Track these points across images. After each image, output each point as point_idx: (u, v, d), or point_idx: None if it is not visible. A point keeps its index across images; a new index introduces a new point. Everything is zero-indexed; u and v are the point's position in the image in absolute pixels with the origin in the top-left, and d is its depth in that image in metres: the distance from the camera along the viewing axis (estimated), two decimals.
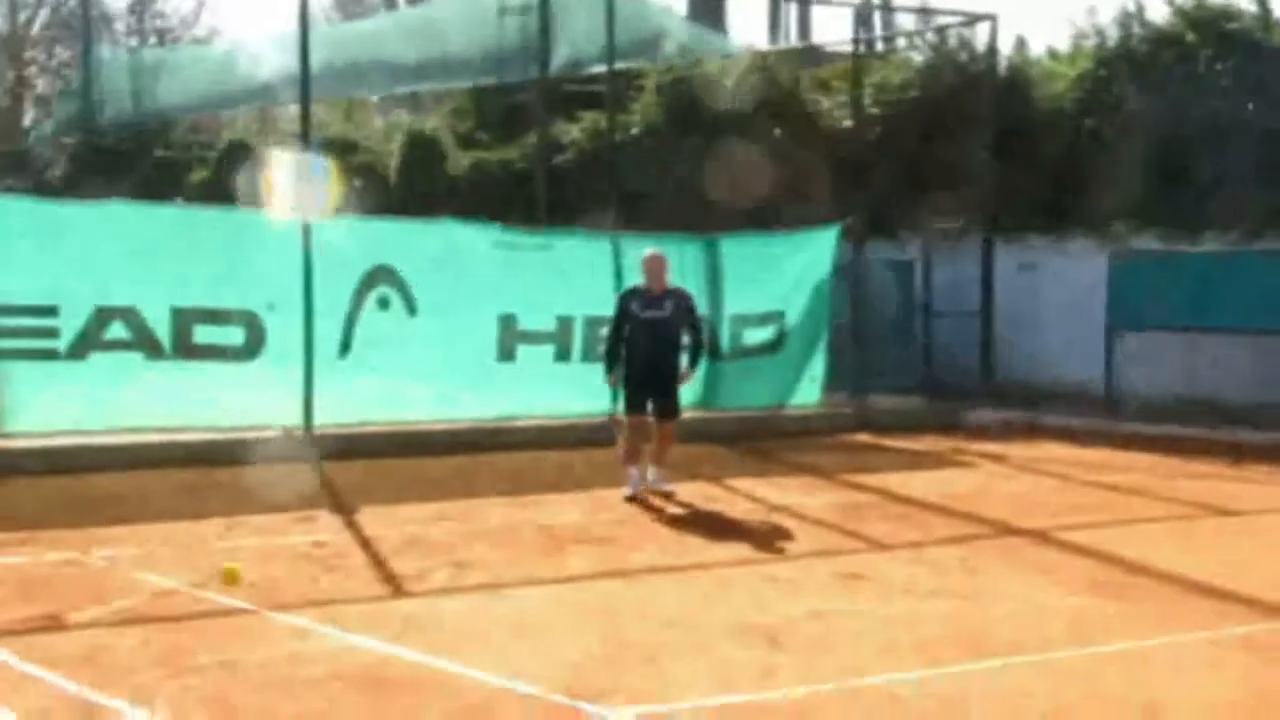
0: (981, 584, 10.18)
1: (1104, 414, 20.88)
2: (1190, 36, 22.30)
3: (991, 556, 11.26)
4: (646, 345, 13.90)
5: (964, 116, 23.70)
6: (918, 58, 25.89)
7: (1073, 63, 23.89)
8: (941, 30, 25.43)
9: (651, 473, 14.07)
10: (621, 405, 14.40)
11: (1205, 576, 10.41)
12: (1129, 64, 22.77)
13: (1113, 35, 23.50)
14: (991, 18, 23.40)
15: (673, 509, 13.33)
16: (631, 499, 13.60)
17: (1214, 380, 21.14)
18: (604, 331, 18.66)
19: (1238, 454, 17.83)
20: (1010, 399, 22.07)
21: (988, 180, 22.87)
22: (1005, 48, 25.22)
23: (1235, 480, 15.95)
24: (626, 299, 14.12)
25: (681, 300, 14.10)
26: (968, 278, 23.14)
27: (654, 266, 14.05)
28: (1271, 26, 21.94)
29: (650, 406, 14.01)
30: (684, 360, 14.33)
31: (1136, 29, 23.21)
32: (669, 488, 13.99)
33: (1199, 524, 13.11)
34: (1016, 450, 18.14)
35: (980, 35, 24.58)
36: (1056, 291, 23.23)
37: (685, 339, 14.28)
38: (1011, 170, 23.14)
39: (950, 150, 23.71)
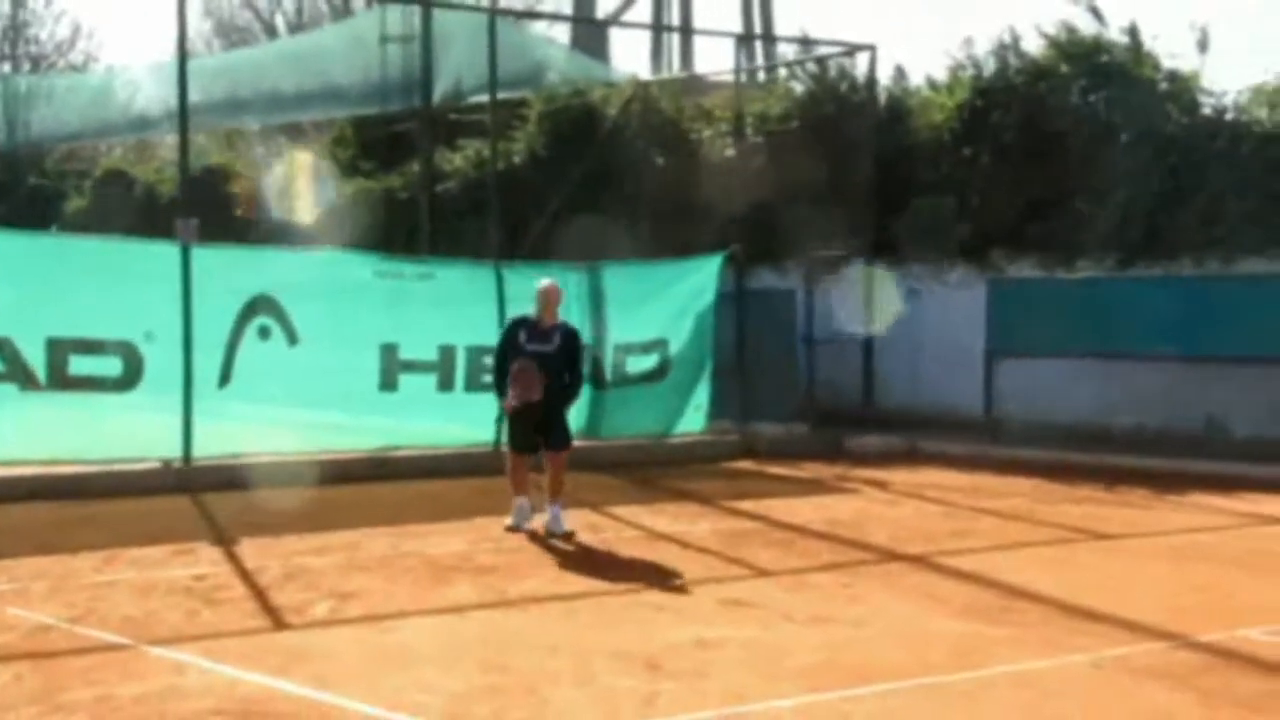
0: (864, 610, 10.22)
1: (984, 439, 21.11)
2: (1064, 68, 22.65)
3: (874, 582, 11.32)
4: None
5: (845, 145, 23.92)
6: (799, 87, 26.09)
7: (951, 93, 24.18)
8: (822, 60, 25.66)
9: (547, 512, 13.34)
10: (507, 438, 14.01)
11: (1084, 599, 10.53)
12: (1005, 94, 23.09)
13: (989, 66, 23.81)
14: (871, 48, 23.67)
15: (557, 539, 13.27)
16: (514, 529, 13.31)
17: (1091, 405, 21.45)
18: (488, 360, 18.67)
19: (1114, 478, 18.09)
20: (892, 425, 22.25)
21: (869, 209, 23.08)
22: (885, 78, 25.47)
23: (1112, 504, 16.17)
24: (514, 329, 13.58)
25: (569, 339, 13.52)
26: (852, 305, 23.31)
27: (549, 298, 13.46)
28: (1143, 58, 22.34)
29: (538, 441, 13.50)
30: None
31: (1012, 60, 23.54)
32: (567, 528, 13.22)
33: (1078, 548, 13.26)
34: (898, 476, 18.28)
35: (860, 65, 24.84)
36: (937, 318, 23.46)
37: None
38: (892, 198, 23.39)
39: (832, 179, 23.91)
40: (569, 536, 13.10)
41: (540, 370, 13.17)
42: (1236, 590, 11.09)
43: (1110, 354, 20.80)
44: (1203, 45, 22.41)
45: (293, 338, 17.28)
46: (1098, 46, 22.70)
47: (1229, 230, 20.79)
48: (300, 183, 29.28)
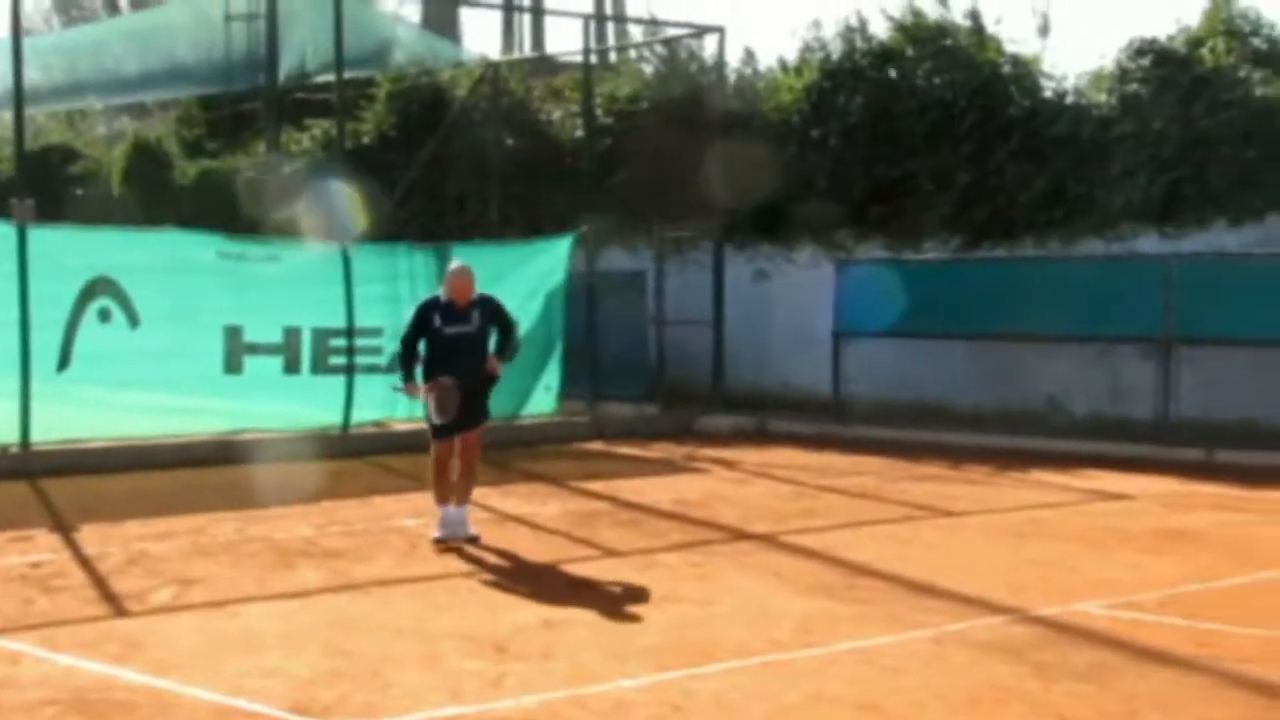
0: (712, 588, 10.28)
1: (832, 419, 21.32)
2: (910, 51, 22.91)
3: (722, 561, 11.38)
4: (452, 364, 12.03)
5: (694, 127, 23.99)
6: (648, 69, 26.13)
7: (799, 75, 24.36)
8: (671, 42, 25.70)
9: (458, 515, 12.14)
10: (430, 430, 12.25)
11: (928, 576, 10.69)
12: (852, 77, 23.30)
13: (837, 49, 24.02)
14: (719, 30, 23.74)
15: (405, 520, 13.19)
16: (443, 544, 11.80)
17: (936, 384, 21.76)
18: (335, 343, 18.54)
19: (958, 456, 18.38)
20: (741, 406, 22.40)
21: (718, 190, 23.18)
22: (734, 60, 25.62)
23: (956, 482, 16.42)
24: (427, 311, 12.30)
25: (487, 306, 12.33)
26: (700, 286, 23.42)
27: (457, 284, 12.20)
28: (986, 42, 22.66)
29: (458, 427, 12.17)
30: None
31: (859, 43, 23.76)
32: (473, 531, 12.11)
33: (922, 525, 13.44)
34: (747, 456, 18.41)
35: (709, 47, 24.92)
36: (786, 299, 23.65)
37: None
38: (741, 180, 23.50)
39: (681, 160, 23.96)
40: (475, 541, 11.94)
41: (464, 356, 12.09)
42: (1075, 566, 11.31)
43: (955, 334, 21.11)
44: (1043, 30, 22.84)
45: (134, 320, 17.02)
46: (942, 30, 22.99)
47: (1069, 212, 21.18)
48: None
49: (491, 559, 11.37)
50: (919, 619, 9.27)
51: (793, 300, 23.48)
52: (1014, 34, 22.97)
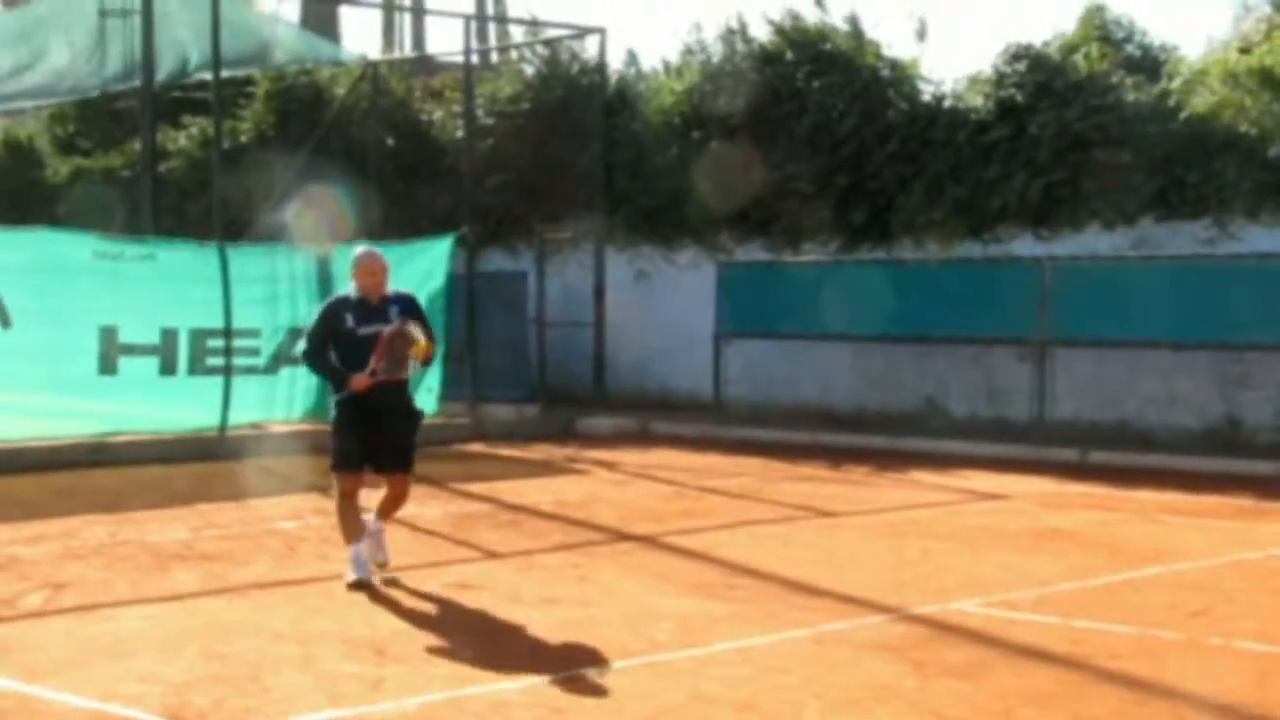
0: (592, 590, 10.27)
1: (713, 420, 21.39)
2: (789, 54, 23.05)
3: (603, 562, 11.38)
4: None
5: (575, 128, 23.99)
6: (529, 70, 26.09)
7: (680, 77, 24.43)
8: (551, 43, 25.68)
9: (372, 525, 10.62)
10: (334, 456, 10.46)
11: (807, 575, 10.75)
12: (733, 79, 23.41)
13: (718, 51, 24.12)
14: (600, 31, 23.75)
15: (283, 523, 13.05)
16: (359, 585, 10.10)
17: (816, 385, 21.91)
18: (212, 344, 18.31)
19: (838, 457, 18.52)
20: (623, 407, 22.42)
21: (599, 191, 23.20)
22: (616, 61, 25.66)
23: (835, 482, 16.54)
24: (335, 309, 10.41)
25: (408, 305, 10.51)
26: (581, 288, 23.42)
27: (372, 268, 10.36)
28: (865, 46, 22.85)
29: (375, 459, 10.44)
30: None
31: (740, 46, 23.88)
32: (386, 554, 10.68)
33: (801, 525, 13.52)
34: (629, 457, 18.42)
35: (590, 48, 24.92)
36: (668, 301, 23.71)
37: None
38: (622, 181, 23.56)
39: (562, 161, 23.97)
40: (384, 566, 10.61)
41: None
42: (951, 565, 11.42)
43: (835, 336, 21.26)
44: (921, 34, 23.06)
45: (5, 320, 16.69)
46: (821, 34, 23.15)
47: (946, 215, 21.41)
48: None
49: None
50: (798, 618, 9.31)
51: (674, 302, 23.55)
52: (892, 39, 23.23)
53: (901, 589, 10.27)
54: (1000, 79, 21.56)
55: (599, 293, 23.10)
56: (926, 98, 22.46)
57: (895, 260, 21.71)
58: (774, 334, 21.75)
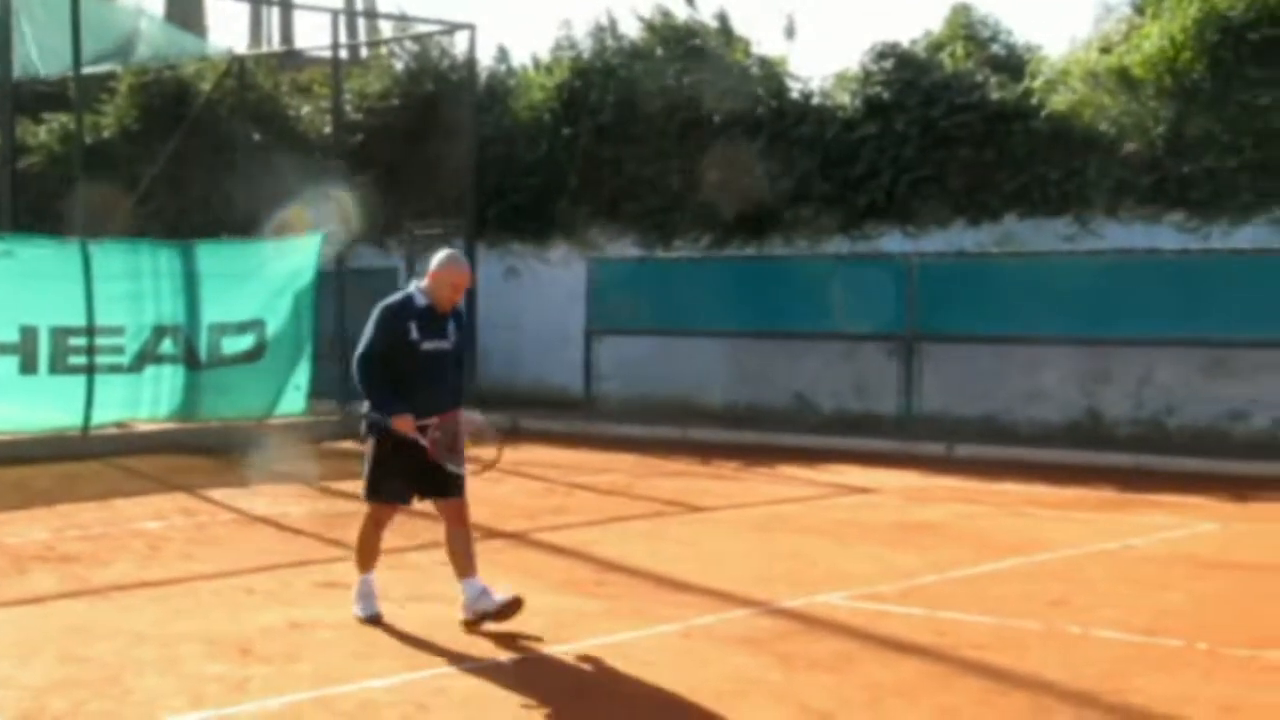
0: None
1: (584, 417, 21.40)
2: (659, 50, 23.12)
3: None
4: (426, 392, 8.96)
5: (445, 124, 23.89)
6: (399, 65, 25.94)
7: (550, 73, 24.41)
8: (421, 38, 25.54)
9: (464, 589, 9.04)
10: (370, 483, 9.27)
11: (676, 571, 10.78)
12: (604, 76, 23.43)
13: (588, 48, 24.13)
14: (470, 27, 23.66)
15: (146, 523, 12.86)
16: (372, 620, 9.00)
17: (688, 381, 21.98)
18: (74, 341, 17.98)
19: (708, 452, 18.60)
20: (494, 404, 22.32)
21: (469, 188, 23.11)
22: (486, 58, 25.58)
23: (705, 478, 16.61)
24: (401, 318, 8.91)
25: (461, 327, 9.20)
26: None
27: (460, 280, 9.01)
28: (734, 42, 22.98)
29: (424, 486, 9.20)
30: None
31: (610, 42, 23.91)
32: (501, 597, 8.94)
33: (671, 521, 13.57)
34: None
35: (460, 44, 24.83)
36: (538, 297, 23.69)
37: None
38: (493, 178, 23.48)
39: (432, 157, 23.86)
40: (509, 610, 8.85)
41: (439, 384, 9.03)
42: (819, 559, 11.51)
43: (706, 331, 21.36)
44: (790, 32, 23.24)
45: None
46: (690, 31, 23.24)
47: (815, 211, 21.59)
48: None
49: (237, 561, 11.14)
50: (667, 613, 9.34)
51: (545, 298, 23.54)
52: (762, 36, 23.42)
53: (770, 583, 10.33)
54: (867, 77, 21.78)
55: (469, 289, 22.97)
56: (795, 95, 22.64)
57: (765, 256, 21.85)
58: (645, 330, 21.81)
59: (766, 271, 21.32)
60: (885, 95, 21.34)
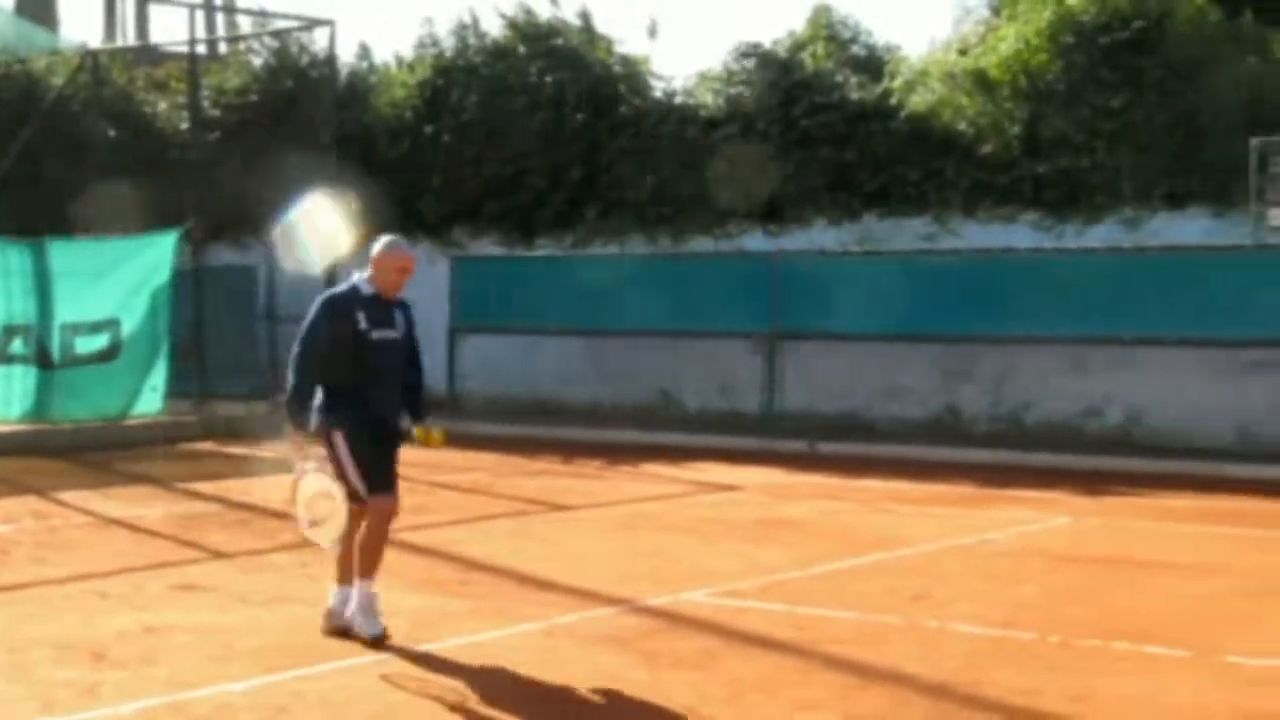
0: (322, 589, 10.03)
1: (447, 415, 21.24)
2: (521, 49, 23.07)
3: (334, 561, 11.17)
4: (381, 383, 8.65)
5: (305, 121, 23.63)
6: (257, 61, 25.63)
7: (412, 71, 24.26)
8: (280, 34, 25.26)
9: (352, 594, 8.64)
10: (359, 484, 8.61)
11: (539, 570, 10.75)
12: (466, 74, 23.33)
13: (450, 46, 24.01)
14: (330, 23, 23.42)
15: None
16: (382, 639, 8.39)
17: (552, 380, 21.96)
18: None
19: (572, 451, 18.58)
20: None
21: (329, 185, 22.86)
22: (347, 54, 25.37)
23: (569, 476, 16.60)
24: (343, 306, 8.59)
25: (410, 317, 8.91)
26: (313, 282, 23.03)
27: (405, 263, 8.69)
28: (596, 41, 22.99)
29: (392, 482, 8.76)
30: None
31: (472, 40, 23.81)
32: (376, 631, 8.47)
33: (535, 519, 13.53)
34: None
35: (320, 40, 24.61)
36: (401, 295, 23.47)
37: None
38: (353, 176, 23.26)
39: (292, 154, 23.58)
40: (373, 643, 8.37)
41: (390, 377, 8.69)
42: (682, 556, 11.54)
43: (570, 330, 21.34)
44: (652, 32, 23.34)
45: None
46: (553, 29, 23.22)
47: (678, 210, 21.66)
48: None
49: (89, 564, 10.93)
50: (530, 612, 9.31)
51: (407, 296, 23.32)
52: (625, 35, 23.48)
53: (633, 581, 10.34)
54: (729, 76, 21.90)
55: (329, 288, 22.73)
56: (658, 94, 22.71)
57: (629, 255, 21.88)
58: (508, 329, 21.75)
59: (630, 270, 21.35)
60: (747, 95, 21.46)
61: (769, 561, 11.22)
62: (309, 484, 8.66)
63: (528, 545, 11.98)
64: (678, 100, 22.50)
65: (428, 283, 22.85)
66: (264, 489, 15.03)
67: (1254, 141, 18.04)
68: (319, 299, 8.76)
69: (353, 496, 8.60)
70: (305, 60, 24.99)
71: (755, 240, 21.28)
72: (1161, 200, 19.26)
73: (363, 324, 8.52)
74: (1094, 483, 16.04)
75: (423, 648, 8.35)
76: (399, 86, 24.32)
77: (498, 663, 8.04)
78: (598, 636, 8.67)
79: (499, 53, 23.44)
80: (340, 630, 8.54)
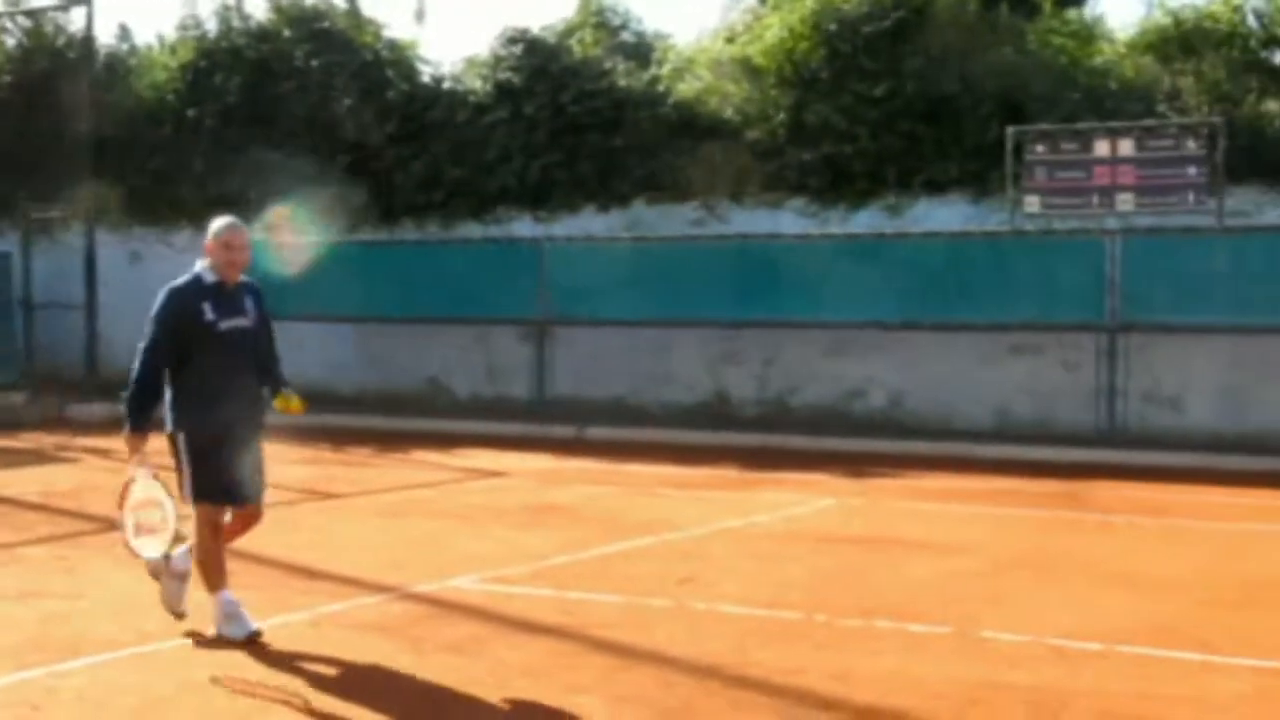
0: (80, 581, 9.87)
1: None
2: (287, 32, 22.74)
3: (92, 553, 10.95)
4: (230, 378, 8.25)
5: (62, 103, 23.00)
6: (10, 41, 24.86)
7: (174, 53, 23.75)
8: (34, 14, 24.53)
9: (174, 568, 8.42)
10: (188, 489, 8.21)
11: (307, 559, 10.64)
12: (230, 56, 22.92)
13: (214, 28, 23.57)
14: (86, 2, 22.82)
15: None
16: (255, 637, 8.08)
17: (320, 367, 21.69)
18: None
19: (341, 438, 18.41)
20: (117, 393, 21.62)
21: (87, 169, 22.29)
22: (107, 35, 24.75)
23: (338, 464, 16.45)
24: (189, 300, 8.20)
25: (261, 301, 8.52)
26: (72, 269, 22.47)
27: (241, 241, 8.29)
28: (363, 25, 22.77)
29: (240, 487, 8.33)
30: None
31: (236, 22, 23.40)
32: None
33: (302, 508, 13.36)
34: (123, 445, 17.75)
35: (77, 20, 23.96)
36: (164, 283, 22.93)
37: None
38: (113, 159, 22.72)
39: (48, 137, 22.94)
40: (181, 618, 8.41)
41: (243, 369, 8.33)
42: (450, 542, 11.51)
43: (337, 317, 21.12)
44: (420, 15, 23.23)
45: None
46: (319, 13, 22.95)
47: (447, 196, 21.56)
48: None
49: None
50: (296, 601, 9.20)
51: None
52: (391, 19, 23.30)
53: (401, 568, 10.28)
54: (498, 62, 21.86)
55: (90, 274, 22.20)
56: (426, 79, 22.58)
57: (396, 241, 21.72)
58: (275, 316, 21.25)
59: (397, 256, 21.19)
60: (515, 81, 21.45)
61: (537, 547, 11.24)
62: (139, 490, 8.25)
63: (295, 535, 11.82)
64: (446, 86, 22.38)
65: (190, 269, 22.46)
66: (20, 481, 14.64)
67: (1010, 130, 18.56)
68: (162, 292, 8.32)
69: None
70: (61, 41, 24.29)
71: (524, 226, 21.28)
72: (923, 187, 19.72)
73: (209, 314, 8.12)
74: (858, 465, 16.38)
75: (182, 641, 8.20)
76: (160, 69, 23.79)
77: (263, 653, 7.92)
78: (365, 624, 8.61)
79: (264, 35, 23.07)
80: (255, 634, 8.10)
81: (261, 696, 7.14)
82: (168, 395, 8.19)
